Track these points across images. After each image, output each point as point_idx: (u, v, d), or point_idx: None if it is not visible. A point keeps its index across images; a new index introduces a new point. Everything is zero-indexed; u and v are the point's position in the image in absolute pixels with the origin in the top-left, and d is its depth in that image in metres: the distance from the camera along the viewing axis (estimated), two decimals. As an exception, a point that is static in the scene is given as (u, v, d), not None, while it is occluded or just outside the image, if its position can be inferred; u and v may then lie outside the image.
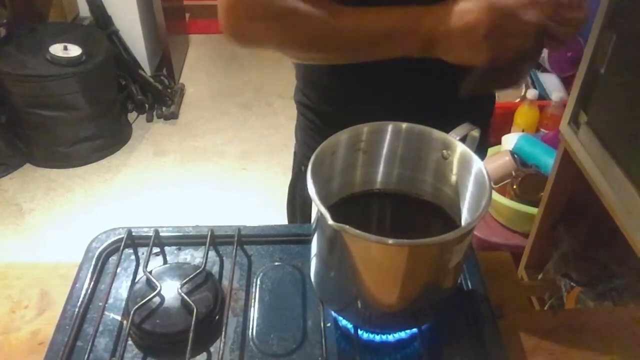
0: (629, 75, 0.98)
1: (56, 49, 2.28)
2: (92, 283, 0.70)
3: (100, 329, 0.65)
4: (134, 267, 0.74)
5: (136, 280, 0.70)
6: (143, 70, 2.85)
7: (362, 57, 0.69)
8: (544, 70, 2.28)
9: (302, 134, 0.96)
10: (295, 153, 1.03)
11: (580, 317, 0.78)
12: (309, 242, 0.65)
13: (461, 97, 0.66)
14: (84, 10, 2.75)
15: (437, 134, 0.66)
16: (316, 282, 0.66)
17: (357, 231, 0.51)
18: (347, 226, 0.51)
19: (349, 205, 0.70)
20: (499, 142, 1.88)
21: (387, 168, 0.71)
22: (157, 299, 0.66)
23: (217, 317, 0.67)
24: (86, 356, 0.61)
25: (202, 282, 0.69)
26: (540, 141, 1.78)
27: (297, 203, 1.05)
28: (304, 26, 0.66)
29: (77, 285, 0.70)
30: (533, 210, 1.55)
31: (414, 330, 0.65)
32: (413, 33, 0.64)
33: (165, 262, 0.75)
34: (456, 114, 0.68)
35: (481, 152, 1.00)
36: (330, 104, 0.88)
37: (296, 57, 0.78)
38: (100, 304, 0.68)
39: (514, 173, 1.70)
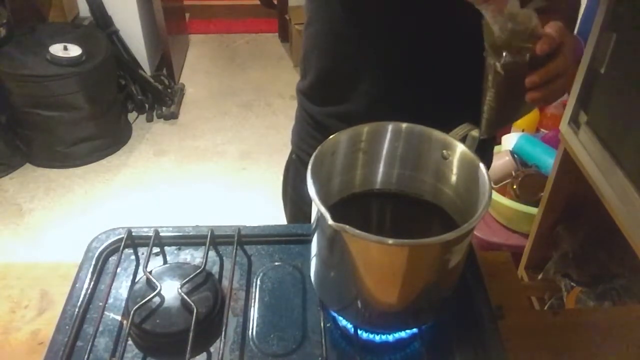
0: (629, 75, 0.98)
1: (56, 49, 2.28)
2: (92, 283, 0.70)
3: (100, 329, 0.65)
4: (134, 267, 0.74)
5: (136, 280, 0.70)
6: (143, 70, 2.84)
7: None
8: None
9: (297, 125, 0.98)
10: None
11: (580, 317, 0.78)
12: (309, 242, 0.65)
13: (484, 137, 0.67)
14: (84, 10, 2.75)
15: (437, 134, 0.66)
16: (316, 282, 0.66)
17: (357, 231, 0.51)
18: (347, 226, 0.51)
19: (349, 205, 0.70)
20: (499, 142, 1.88)
21: (387, 168, 0.71)
22: (157, 299, 0.66)
23: (217, 317, 0.67)
24: (86, 356, 0.61)
25: (202, 282, 0.69)
26: (540, 141, 1.78)
27: (289, 193, 1.07)
28: None
29: (77, 285, 0.70)
30: (533, 210, 1.55)
31: (414, 330, 0.65)
32: None
33: (165, 262, 0.75)
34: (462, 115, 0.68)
35: (488, 150, 1.00)
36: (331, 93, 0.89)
37: None
38: (100, 304, 0.68)
39: (514, 173, 1.70)
